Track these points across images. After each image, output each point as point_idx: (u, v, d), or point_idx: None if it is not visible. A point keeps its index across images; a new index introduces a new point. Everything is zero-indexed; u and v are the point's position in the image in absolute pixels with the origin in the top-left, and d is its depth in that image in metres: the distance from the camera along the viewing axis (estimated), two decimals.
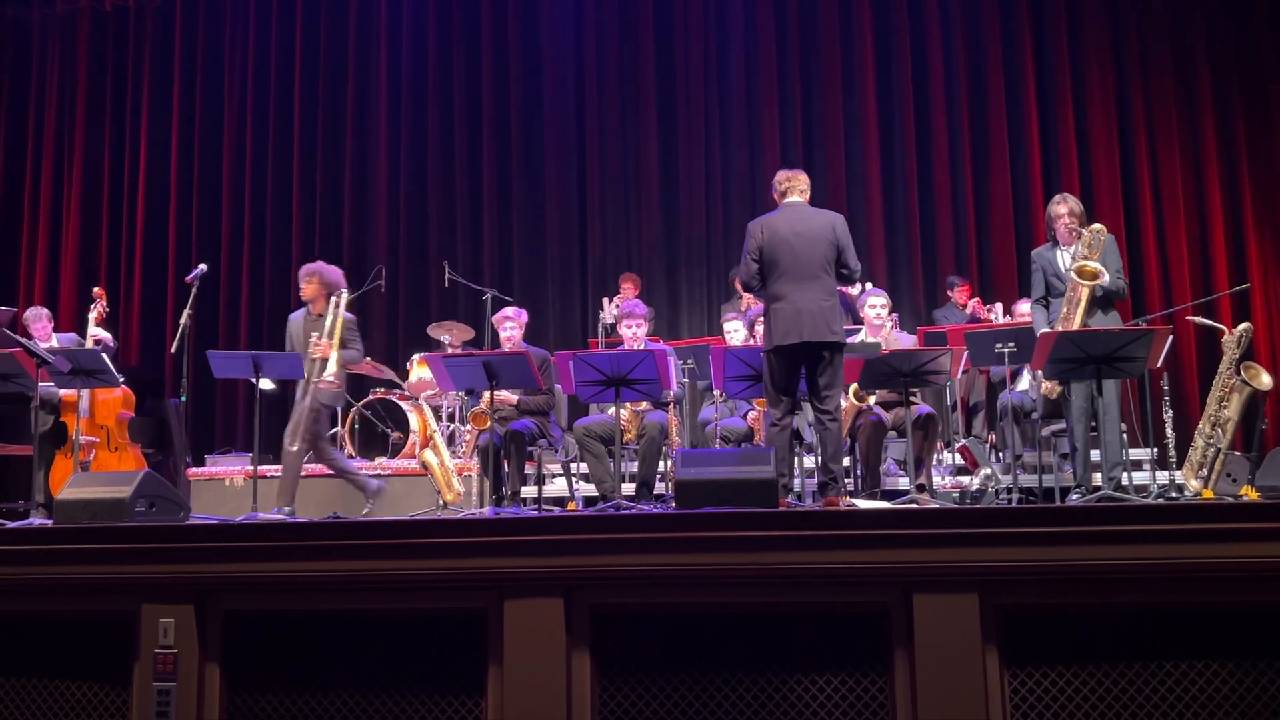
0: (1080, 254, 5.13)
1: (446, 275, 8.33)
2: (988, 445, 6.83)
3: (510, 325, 6.15)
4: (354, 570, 3.39)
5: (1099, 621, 3.11)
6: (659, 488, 5.97)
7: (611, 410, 5.53)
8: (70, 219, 9.82)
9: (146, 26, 10.00)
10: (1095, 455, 5.25)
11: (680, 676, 3.26)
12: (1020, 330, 5.57)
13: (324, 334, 5.71)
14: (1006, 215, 8.67)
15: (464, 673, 3.35)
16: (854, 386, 5.50)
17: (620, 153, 9.38)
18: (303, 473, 6.77)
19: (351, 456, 7.19)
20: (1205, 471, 5.28)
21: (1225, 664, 3.05)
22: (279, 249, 9.60)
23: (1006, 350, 5.37)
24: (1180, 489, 5.27)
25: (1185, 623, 3.08)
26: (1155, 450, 5.85)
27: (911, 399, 5.42)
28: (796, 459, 5.70)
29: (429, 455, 6.17)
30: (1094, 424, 5.16)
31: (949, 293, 8.28)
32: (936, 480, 6.13)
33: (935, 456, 6.07)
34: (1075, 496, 5.17)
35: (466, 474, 6.38)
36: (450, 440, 6.96)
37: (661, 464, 5.88)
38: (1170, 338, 4.96)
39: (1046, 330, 5.07)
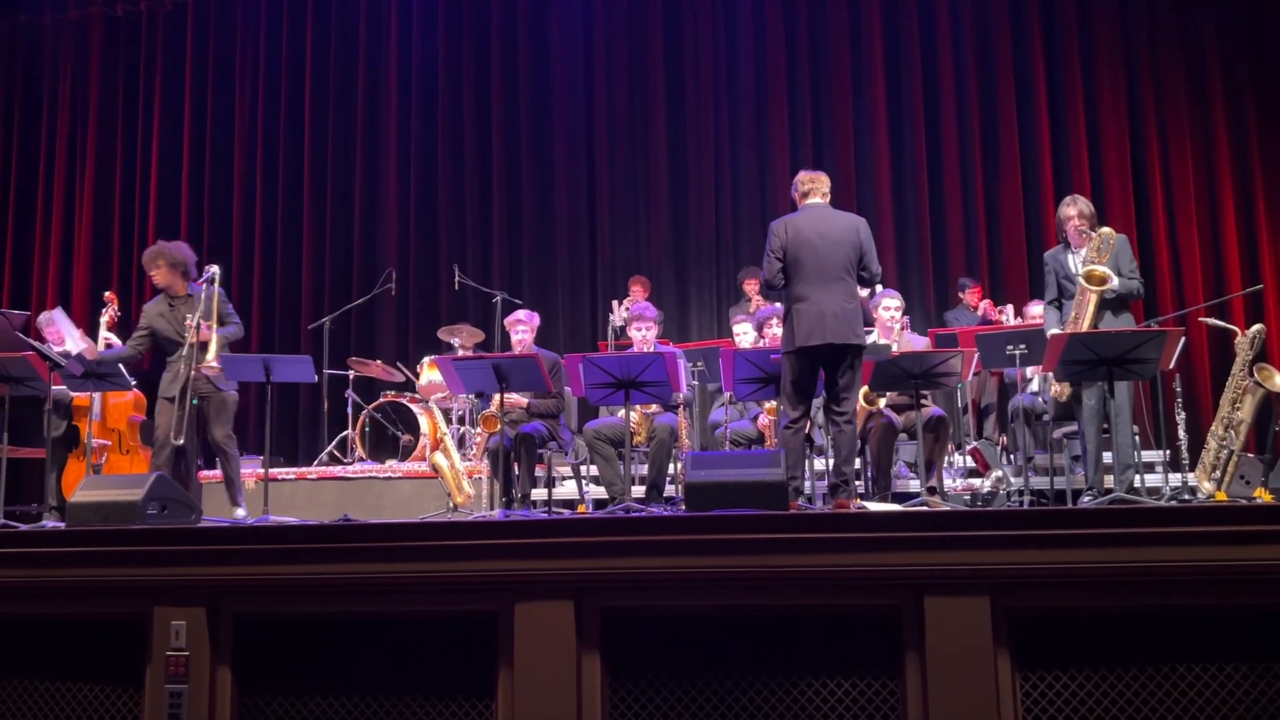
0: (1089, 258, 5.11)
1: (456, 278, 8.37)
2: (999, 447, 6.81)
3: (522, 328, 6.16)
4: (365, 573, 3.39)
5: (1111, 624, 3.09)
6: (669, 490, 5.97)
7: (621, 413, 5.53)
8: (82, 223, 9.89)
9: (158, 31, 10.07)
10: (1107, 457, 5.22)
11: (691, 679, 3.25)
12: (1031, 332, 5.56)
13: (199, 315, 5.38)
14: (1017, 217, 8.65)
15: (474, 675, 3.35)
16: (865, 389, 5.48)
17: (629, 156, 9.39)
18: (313, 475, 6.79)
19: (362, 459, 7.21)
20: (1218, 474, 5.25)
21: (1239, 667, 3.03)
22: (290, 253, 9.65)
23: (1018, 352, 5.36)
24: (1193, 491, 5.24)
25: (1199, 626, 3.06)
26: (1168, 452, 5.82)
27: (922, 401, 5.41)
28: (807, 461, 5.69)
29: (439, 458, 6.17)
30: (1106, 426, 5.14)
31: (960, 295, 8.26)
32: (947, 483, 6.11)
33: (946, 459, 6.05)
34: (1087, 499, 5.15)
35: (476, 476, 6.39)
36: (460, 443, 6.98)
37: (671, 466, 5.88)
38: (1182, 339, 4.94)
39: (1057, 332, 5.06)
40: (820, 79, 9.17)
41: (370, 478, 6.67)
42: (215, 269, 5.83)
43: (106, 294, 6.88)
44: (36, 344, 5.65)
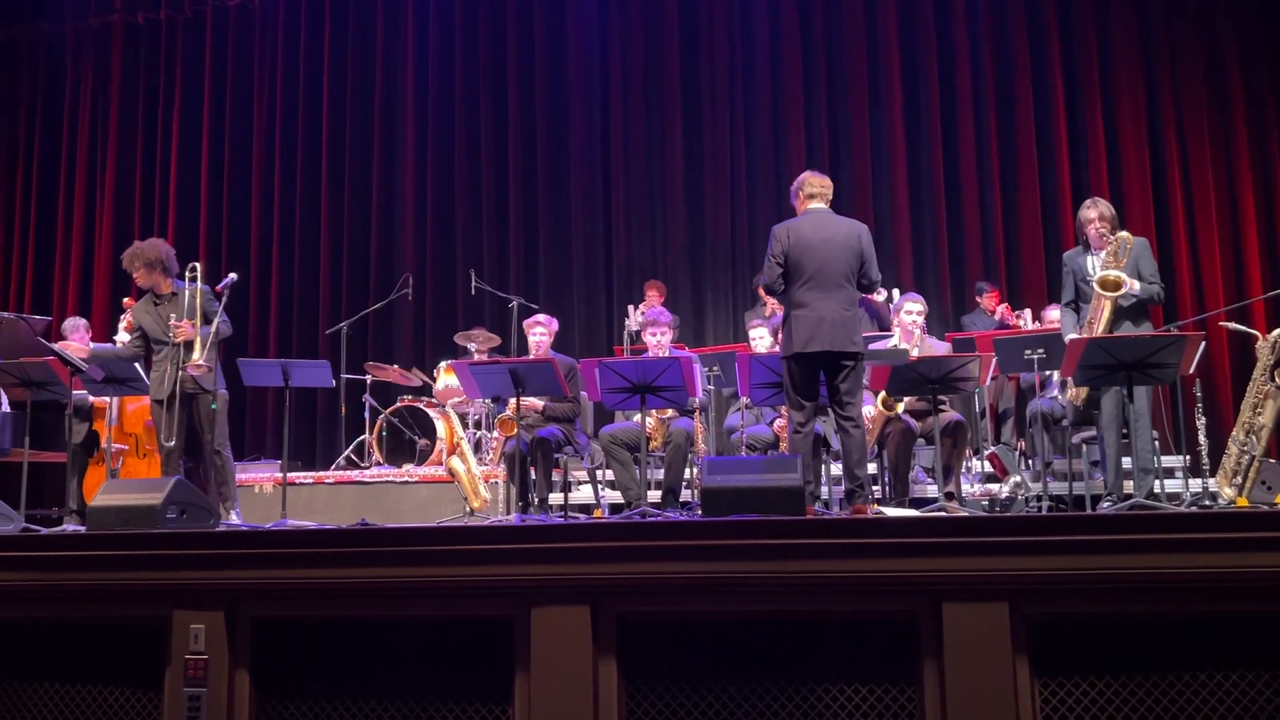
0: (1105, 263, 5.08)
1: (473, 283, 8.39)
2: (1017, 452, 6.77)
3: (539, 331, 6.17)
4: (381, 577, 3.41)
5: (1131, 631, 3.07)
6: (685, 495, 5.96)
7: (637, 417, 5.53)
8: (102, 229, 9.97)
9: (178, 39, 10.16)
10: (1127, 463, 5.19)
11: (707, 685, 3.25)
12: (1049, 336, 5.53)
13: (182, 313, 5.30)
14: (1035, 220, 8.60)
15: (491, 680, 3.35)
16: (882, 394, 5.47)
17: (645, 160, 9.39)
18: (330, 479, 6.82)
19: (379, 463, 7.24)
20: (1239, 479, 5.20)
21: (1260, 674, 3.01)
22: (307, 259, 9.70)
23: (1036, 356, 5.33)
24: (1214, 497, 5.19)
25: (1219, 632, 3.04)
26: (1188, 457, 5.77)
27: (940, 406, 5.38)
28: (824, 466, 5.68)
29: (455, 462, 6.19)
30: (1125, 431, 5.10)
31: (977, 299, 8.22)
32: (965, 488, 6.08)
33: (964, 464, 6.02)
34: (1106, 505, 5.11)
35: (493, 481, 6.40)
36: (477, 447, 6.99)
37: (687, 471, 5.87)
38: (1203, 344, 4.89)
39: (1075, 335, 5.03)
40: (836, 83, 9.15)
41: (387, 482, 6.70)
42: (233, 276, 5.82)
43: (125, 299, 6.93)
44: (57, 349, 5.70)
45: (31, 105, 10.38)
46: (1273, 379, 5.22)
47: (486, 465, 6.54)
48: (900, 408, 5.61)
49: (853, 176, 8.91)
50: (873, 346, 5.51)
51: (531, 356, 6.07)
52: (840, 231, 4.90)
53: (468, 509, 6.07)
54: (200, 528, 4.18)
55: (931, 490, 6.05)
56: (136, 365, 5.56)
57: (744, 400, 5.92)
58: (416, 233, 9.58)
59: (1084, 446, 5.90)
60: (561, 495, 6.42)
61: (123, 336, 6.66)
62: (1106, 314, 5.01)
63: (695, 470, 5.79)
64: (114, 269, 9.85)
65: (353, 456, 7.74)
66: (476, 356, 7.38)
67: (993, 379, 6.27)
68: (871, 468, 5.60)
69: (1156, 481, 5.19)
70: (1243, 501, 5.10)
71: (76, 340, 6.71)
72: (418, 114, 9.71)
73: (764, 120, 9.20)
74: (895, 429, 5.57)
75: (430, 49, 9.76)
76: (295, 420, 8.37)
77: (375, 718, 3.42)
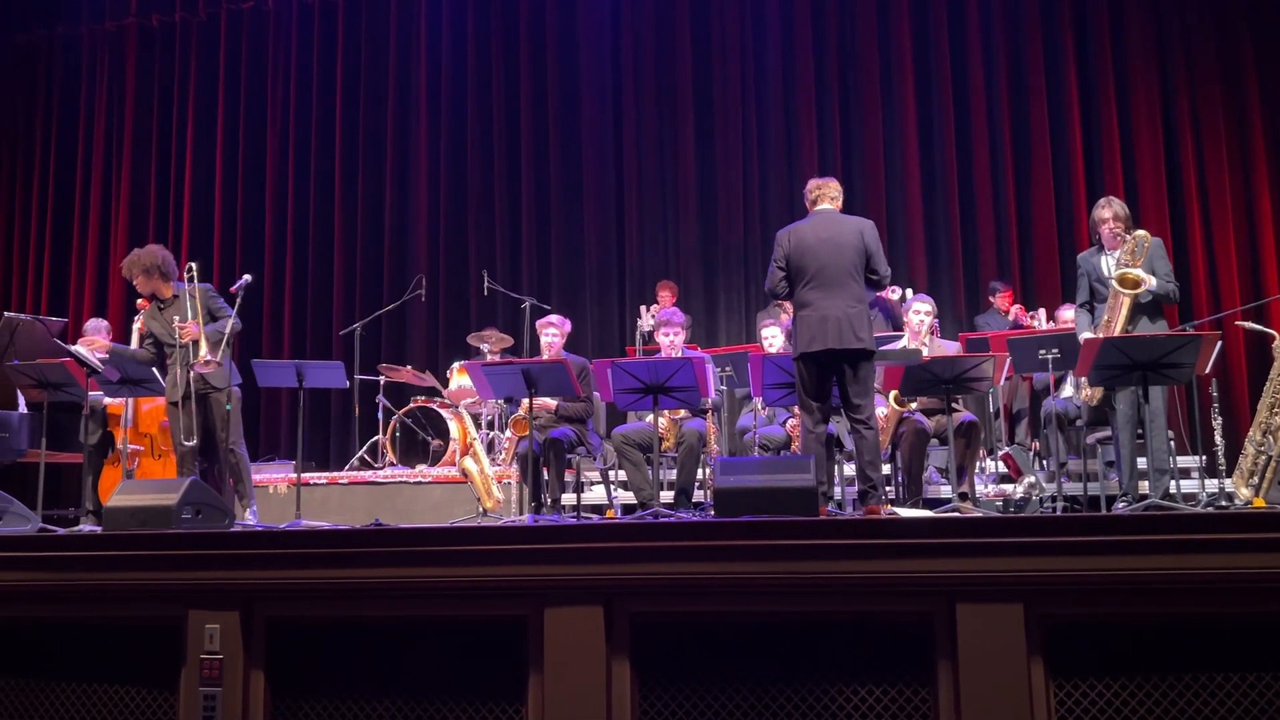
0: (1123, 261, 5.06)
1: (485, 284, 8.41)
2: (1031, 453, 6.74)
3: (552, 331, 6.18)
4: (395, 577, 3.42)
5: (1146, 632, 3.06)
6: (697, 495, 5.96)
7: (650, 418, 5.53)
8: (118, 231, 10.03)
9: (192, 42, 10.22)
10: (1142, 463, 5.16)
11: (720, 685, 3.24)
12: (1064, 336, 5.50)
13: (185, 315, 5.32)
14: (1049, 220, 8.56)
15: (504, 680, 3.36)
16: (894, 393, 5.45)
17: (657, 161, 9.39)
18: (344, 480, 6.84)
19: (393, 464, 7.26)
20: (1256, 480, 5.17)
21: (1278, 676, 2.99)
22: (321, 260, 9.74)
23: (1050, 356, 5.30)
24: (1230, 497, 5.16)
25: (1236, 634, 3.02)
26: (1204, 458, 5.74)
27: (954, 406, 5.36)
28: (836, 467, 5.66)
29: (469, 463, 6.21)
30: (1140, 431, 5.08)
31: (991, 299, 8.19)
32: (979, 488, 6.06)
33: (978, 464, 6.00)
34: (1122, 505, 5.08)
35: (506, 481, 6.42)
36: (490, 447, 7.00)
37: (700, 472, 5.87)
38: (1219, 343, 4.87)
39: (1089, 335, 5.00)
40: (849, 82, 9.13)
41: (401, 482, 6.72)
42: (247, 277, 5.82)
43: (139, 300, 6.96)
44: (74, 350, 5.73)
45: (48, 108, 10.46)
46: None
47: (499, 466, 6.56)
48: (913, 407, 5.59)
49: (865, 178, 8.88)
50: (884, 347, 5.50)
51: (544, 357, 6.07)
52: (842, 229, 4.90)
53: (481, 509, 6.08)
54: (215, 528, 4.21)
55: (945, 491, 6.03)
56: (153, 368, 5.59)
57: (757, 401, 5.92)
58: (429, 234, 9.61)
59: (1099, 447, 5.88)
60: (574, 496, 6.43)
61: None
62: (1125, 311, 4.99)
63: (708, 471, 5.78)
64: None
65: (366, 457, 7.76)
66: (489, 357, 7.39)
67: (1007, 379, 6.24)
68: (885, 468, 5.58)
69: (1172, 482, 5.16)
70: (1259, 502, 5.07)
71: (99, 339, 6.73)
72: (430, 115, 9.73)
73: (776, 120, 9.18)
74: (909, 429, 5.56)
75: (443, 50, 9.79)
76: (309, 421, 8.41)
77: (388, 718, 3.43)
